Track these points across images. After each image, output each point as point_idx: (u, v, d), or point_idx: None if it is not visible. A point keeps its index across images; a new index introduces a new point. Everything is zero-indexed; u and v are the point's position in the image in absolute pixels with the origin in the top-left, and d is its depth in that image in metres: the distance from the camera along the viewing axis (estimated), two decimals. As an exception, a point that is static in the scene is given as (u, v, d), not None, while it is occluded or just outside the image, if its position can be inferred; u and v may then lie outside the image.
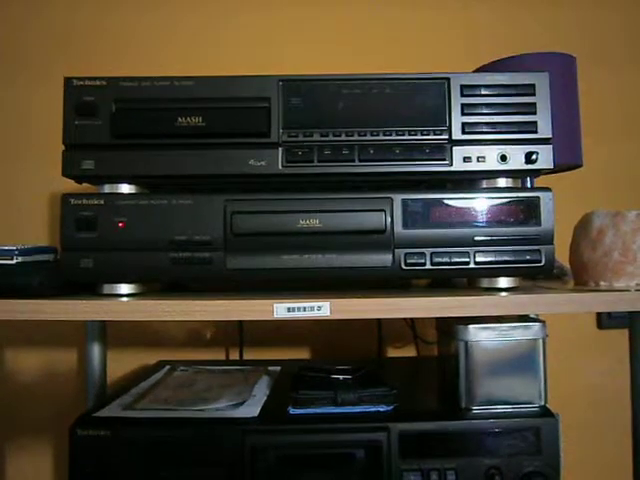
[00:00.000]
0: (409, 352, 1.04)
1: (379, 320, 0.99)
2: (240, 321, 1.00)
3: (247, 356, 1.02)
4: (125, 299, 0.59)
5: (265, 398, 0.68)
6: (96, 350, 0.94)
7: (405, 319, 0.98)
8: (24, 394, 1.04)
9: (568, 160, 0.81)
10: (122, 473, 0.60)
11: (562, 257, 0.69)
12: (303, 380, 0.67)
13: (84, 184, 0.64)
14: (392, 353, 1.06)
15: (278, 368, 0.84)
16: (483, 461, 0.61)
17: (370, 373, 0.69)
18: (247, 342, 1.03)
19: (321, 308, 0.57)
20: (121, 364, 1.06)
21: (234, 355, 1.04)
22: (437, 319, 0.77)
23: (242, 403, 0.66)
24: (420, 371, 0.90)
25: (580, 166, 0.86)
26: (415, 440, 0.61)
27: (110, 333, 0.96)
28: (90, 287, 0.63)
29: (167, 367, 0.87)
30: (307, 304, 0.57)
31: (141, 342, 1.07)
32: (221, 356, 1.06)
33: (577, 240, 0.68)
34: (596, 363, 1.10)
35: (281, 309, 0.57)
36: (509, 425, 0.61)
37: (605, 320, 1.10)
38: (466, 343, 0.63)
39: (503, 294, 0.58)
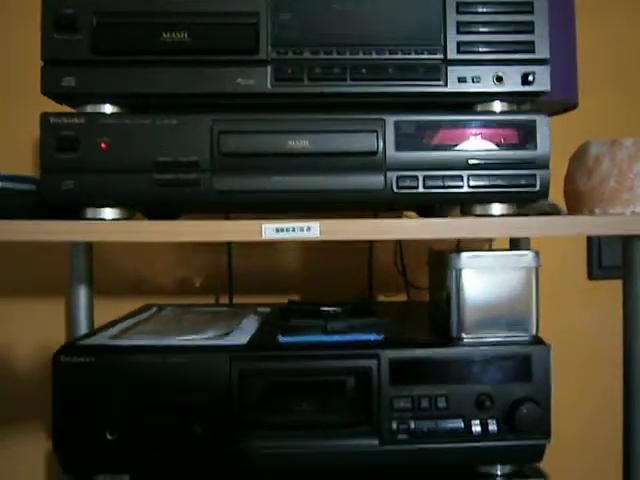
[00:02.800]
0: (400, 299, 1.03)
1: (369, 265, 0.98)
2: (230, 266, 0.98)
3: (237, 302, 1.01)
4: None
5: (254, 331, 0.67)
6: (82, 295, 0.92)
7: (396, 264, 0.97)
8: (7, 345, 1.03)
9: (564, 94, 0.79)
10: (107, 401, 0.59)
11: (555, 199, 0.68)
12: (293, 311, 0.66)
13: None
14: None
15: (268, 309, 0.83)
16: (474, 388, 0.60)
17: (360, 305, 0.68)
18: (237, 291, 1.02)
19: (310, 229, 0.55)
20: (108, 312, 1.04)
21: (224, 302, 1.04)
22: (429, 255, 0.75)
23: (230, 333, 0.65)
24: (411, 311, 0.90)
25: (575, 106, 0.85)
26: (405, 367, 0.60)
27: (97, 279, 0.95)
28: (73, 214, 0.61)
29: (155, 308, 0.85)
30: (296, 224, 0.55)
31: (128, 290, 1.06)
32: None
33: (572, 170, 0.66)
34: (586, 314, 1.10)
35: (269, 230, 0.55)
36: (500, 352, 0.61)
37: (596, 270, 1.09)
38: (458, 271, 0.62)
39: (496, 219, 0.57)
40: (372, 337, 0.62)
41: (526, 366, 0.61)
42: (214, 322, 0.71)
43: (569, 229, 0.57)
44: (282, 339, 0.62)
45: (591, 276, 1.09)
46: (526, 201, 0.60)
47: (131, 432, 0.59)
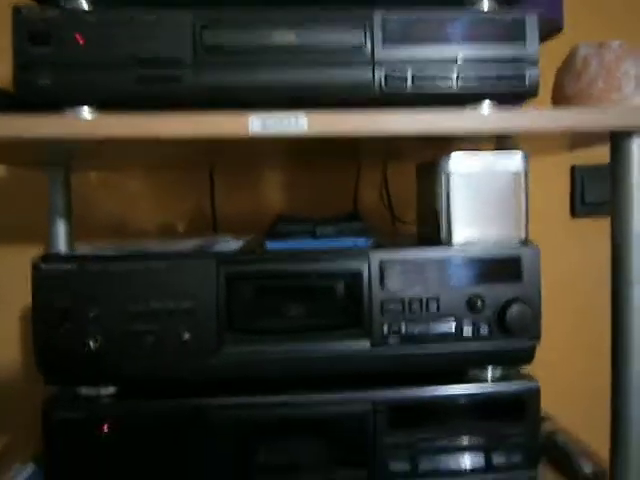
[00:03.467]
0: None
1: (354, 198, 0.97)
2: (212, 204, 0.96)
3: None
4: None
5: (241, 243, 0.66)
6: (61, 234, 0.90)
7: (382, 197, 0.96)
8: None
9: (549, 15, 0.78)
10: (89, 309, 0.57)
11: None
12: (281, 220, 0.64)
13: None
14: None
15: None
16: (464, 290, 0.60)
17: (348, 215, 0.67)
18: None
19: (298, 121, 0.54)
20: (88, 255, 1.02)
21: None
22: (417, 170, 0.74)
23: (215, 245, 0.63)
24: (399, 235, 0.89)
25: (560, 29, 0.84)
26: (396, 269, 0.59)
27: (77, 225, 0.92)
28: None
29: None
30: (284, 116, 0.54)
31: (109, 234, 1.03)
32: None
33: (561, 77, 0.66)
34: (569, 253, 1.11)
35: (256, 123, 0.54)
36: (490, 254, 0.60)
37: (579, 207, 1.10)
38: (447, 175, 0.62)
39: (485, 110, 0.57)
40: (362, 241, 0.61)
41: (516, 267, 0.60)
42: (199, 240, 0.69)
43: (554, 121, 0.56)
44: (270, 245, 0.61)
45: (574, 214, 1.10)
46: (516, 99, 0.59)
47: (115, 340, 0.57)
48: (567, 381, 1.07)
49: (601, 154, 1.09)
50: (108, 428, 0.59)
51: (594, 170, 1.08)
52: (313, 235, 0.61)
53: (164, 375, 0.59)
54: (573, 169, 1.09)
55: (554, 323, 0.97)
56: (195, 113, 0.54)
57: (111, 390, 0.61)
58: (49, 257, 0.59)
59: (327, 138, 0.56)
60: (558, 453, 0.75)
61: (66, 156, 0.80)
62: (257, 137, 0.53)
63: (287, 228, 0.61)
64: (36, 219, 0.92)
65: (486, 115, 0.56)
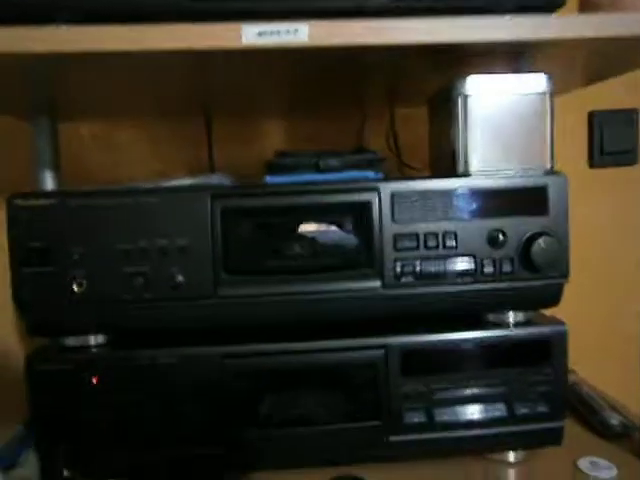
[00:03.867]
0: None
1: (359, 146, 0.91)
2: (210, 154, 0.90)
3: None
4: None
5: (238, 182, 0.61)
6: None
7: (388, 144, 0.90)
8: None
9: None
10: (72, 248, 0.52)
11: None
12: (282, 154, 0.59)
13: None
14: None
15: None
16: (484, 224, 0.55)
17: (356, 148, 0.61)
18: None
19: (298, 31, 0.48)
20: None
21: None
22: (429, 105, 0.68)
23: (212, 180, 0.58)
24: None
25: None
26: (409, 201, 0.54)
27: (64, 180, 0.86)
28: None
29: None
30: (281, 27, 0.48)
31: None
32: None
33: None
34: (587, 206, 1.05)
35: (251, 33, 0.48)
36: (512, 184, 0.55)
37: (597, 157, 1.03)
38: (464, 98, 0.56)
39: (508, 17, 0.50)
40: (371, 174, 0.56)
41: (542, 199, 0.55)
42: (193, 179, 0.64)
43: (582, 28, 0.50)
44: (269, 179, 0.55)
45: (592, 164, 1.04)
46: (543, 9, 0.53)
47: (102, 283, 0.52)
48: (590, 334, 1.02)
49: (622, 99, 1.04)
50: (97, 380, 0.54)
51: (615, 115, 1.02)
52: (317, 168, 0.55)
53: (156, 321, 0.54)
54: (591, 115, 1.02)
55: (573, 278, 0.92)
56: (185, 24, 0.48)
57: (100, 339, 0.56)
58: (27, 194, 0.53)
59: (330, 54, 0.50)
60: (583, 405, 0.70)
61: (50, 98, 0.75)
62: (251, 48, 0.47)
63: (288, 161, 0.56)
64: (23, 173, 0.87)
65: (510, 22, 0.50)
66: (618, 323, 1.04)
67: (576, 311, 0.99)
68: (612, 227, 1.05)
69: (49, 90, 0.70)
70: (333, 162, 0.55)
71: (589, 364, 0.82)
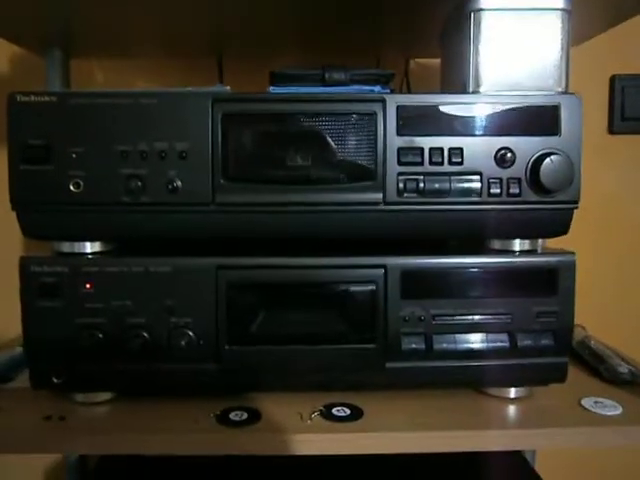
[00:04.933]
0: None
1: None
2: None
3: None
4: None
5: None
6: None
7: (400, 89, 0.88)
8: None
9: None
10: (70, 147, 0.51)
11: None
12: (287, 68, 0.57)
13: None
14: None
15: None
16: (492, 142, 0.52)
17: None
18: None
19: None
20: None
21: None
22: (442, 35, 0.67)
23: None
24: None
25: None
26: (415, 115, 0.52)
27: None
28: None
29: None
30: None
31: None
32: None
33: None
34: (606, 174, 1.02)
35: None
36: (523, 102, 0.53)
37: (618, 123, 1.00)
38: (477, 13, 0.54)
39: None
40: (378, 89, 0.54)
41: (553, 118, 0.53)
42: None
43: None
44: (272, 89, 0.54)
45: (612, 130, 1.01)
46: None
47: (98, 183, 0.51)
48: (600, 299, 0.99)
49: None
50: (90, 285, 0.53)
51: (637, 80, 0.99)
52: (323, 81, 0.54)
53: (152, 227, 0.53)
54: (613, 79, 1.00)
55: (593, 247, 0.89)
56: None
57: (97, 247, 0.56)
58: (28, 93, 0.53)
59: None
60: (591, 356, 0.68)
61: (64, 30, 0.75)
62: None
63: (293, 72, 0.54)
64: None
65: None
66: (637, 289, 1.01)
67: (595, 279, 0.97)
68: (632, 195, 1.02)
69: (63, 20, 0.70)
70: (340, 75, 0.54)
71: (604, 325, 0.80)
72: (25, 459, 0.96)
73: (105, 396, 0.57)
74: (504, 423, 0.55)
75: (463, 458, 0.70)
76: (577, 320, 0.57)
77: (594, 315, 0.82)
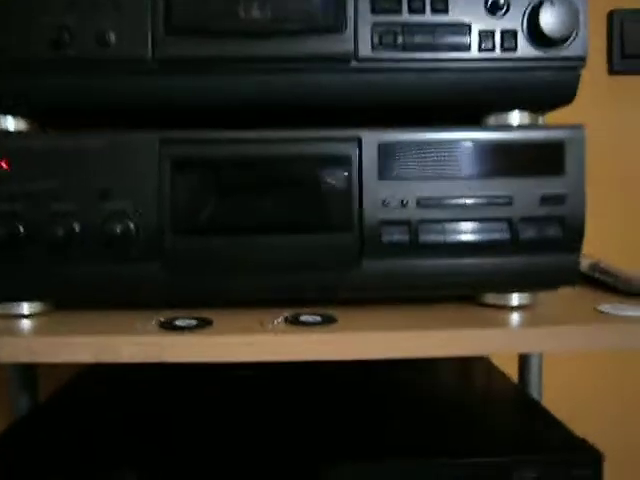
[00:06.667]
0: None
1: None
2: None
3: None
4: None
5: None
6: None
7: None
8: None
9: None
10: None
11: None
12: None
13: None
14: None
15: None
16: (483, -12, 0.45)
17: None
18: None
19: None
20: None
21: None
22: None
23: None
24: None
25: None
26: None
27: None
28: None
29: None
30: None
31: None
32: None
33: None
34: (606, 117, 0.95)
35: None
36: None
37: (618, 61, 0.93)
38: None
39: None
40: None
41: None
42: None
43: None
44: None
45: (612, 70, 0.94)
46: None
47: (22, 36, 0.43)
48: (605, 250, 0.90)
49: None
50: (6, 164, 0.45)
51: (638, 14, 0.93)
52: None
53: (80, 91, 0.44)
54: (611, 15, 0.93)
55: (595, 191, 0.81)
56: None
57: (21, 125, 0.47)
58: None
59: None
60: (603, 274, 0.59)
61: None
62: None
63: None
64: None
65: None
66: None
67: (598, 221, 0.89)
68: (633, 139, 0.94)
69: None
70: None
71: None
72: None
73: (27, 308, 0.48)
74: (507, 325, 0.46)
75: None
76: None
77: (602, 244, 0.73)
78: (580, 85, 0.61)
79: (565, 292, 0.50)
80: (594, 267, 0.62)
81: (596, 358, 0.92)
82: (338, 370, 0.55)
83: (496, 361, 0.74)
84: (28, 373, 0.76)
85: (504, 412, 0.62)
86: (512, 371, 0.77)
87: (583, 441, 0.50)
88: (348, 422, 0.55)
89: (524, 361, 0.79)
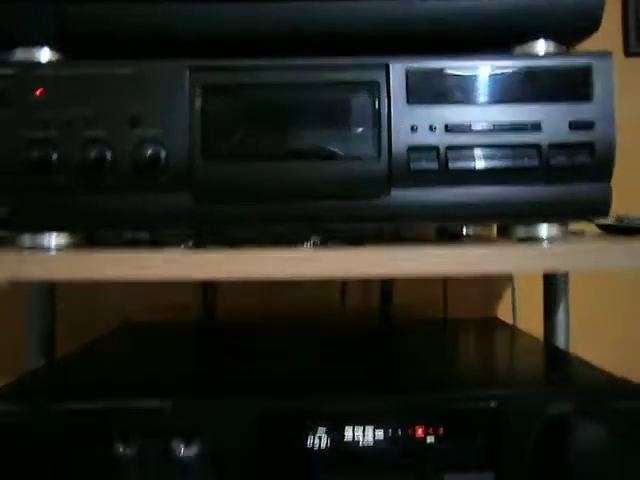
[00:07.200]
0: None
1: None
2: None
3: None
4: None
5: None
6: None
7: None
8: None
9: None
10: None
11: None
12: None
13: None
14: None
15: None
16: None
17: None
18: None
19: None
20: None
21: None
22: None
23: None
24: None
25: None
26: None
27: None
28: None
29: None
30: None
31: None
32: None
33: None
34: (623, 101, 0.94)
35: None
36: None
37: (634, 43, 0.94)
38: None
39: None
40: None
41: None
42: None
43: None
44: None
45: (628, 52, 0.95)
46: None
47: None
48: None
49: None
50: (41, 91, 0.46)
51: (653, -7, 0.94)
52: None
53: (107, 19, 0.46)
54: (625, -5, 0.95)
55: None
56: None
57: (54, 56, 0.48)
58: None
59: None
60: (633, 222, 0.58)
61: None
62: None
63: None
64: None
65: None
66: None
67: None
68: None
69: None
70: None
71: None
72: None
73: (60, 239, 0.48)
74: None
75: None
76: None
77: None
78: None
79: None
80: (620, 219, 0.61)
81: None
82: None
83: (522, 325, 0.73)
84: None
85: (537, 358, 0.62)
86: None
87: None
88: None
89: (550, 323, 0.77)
